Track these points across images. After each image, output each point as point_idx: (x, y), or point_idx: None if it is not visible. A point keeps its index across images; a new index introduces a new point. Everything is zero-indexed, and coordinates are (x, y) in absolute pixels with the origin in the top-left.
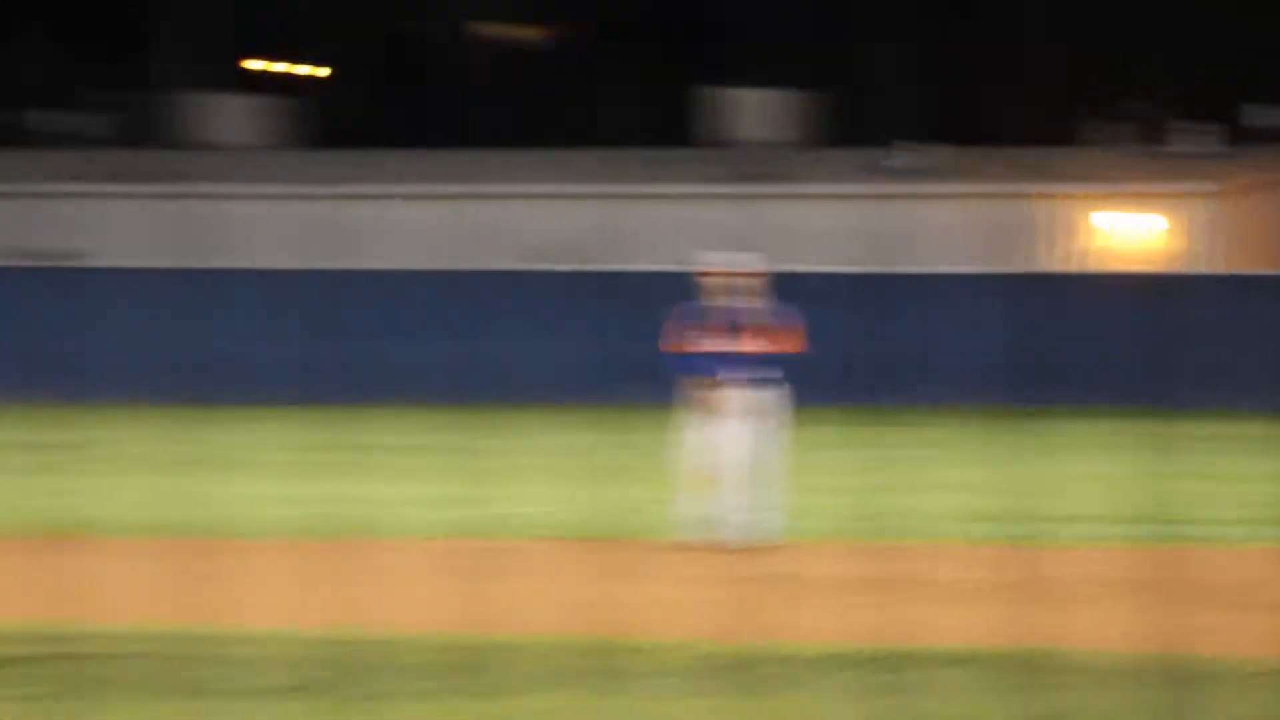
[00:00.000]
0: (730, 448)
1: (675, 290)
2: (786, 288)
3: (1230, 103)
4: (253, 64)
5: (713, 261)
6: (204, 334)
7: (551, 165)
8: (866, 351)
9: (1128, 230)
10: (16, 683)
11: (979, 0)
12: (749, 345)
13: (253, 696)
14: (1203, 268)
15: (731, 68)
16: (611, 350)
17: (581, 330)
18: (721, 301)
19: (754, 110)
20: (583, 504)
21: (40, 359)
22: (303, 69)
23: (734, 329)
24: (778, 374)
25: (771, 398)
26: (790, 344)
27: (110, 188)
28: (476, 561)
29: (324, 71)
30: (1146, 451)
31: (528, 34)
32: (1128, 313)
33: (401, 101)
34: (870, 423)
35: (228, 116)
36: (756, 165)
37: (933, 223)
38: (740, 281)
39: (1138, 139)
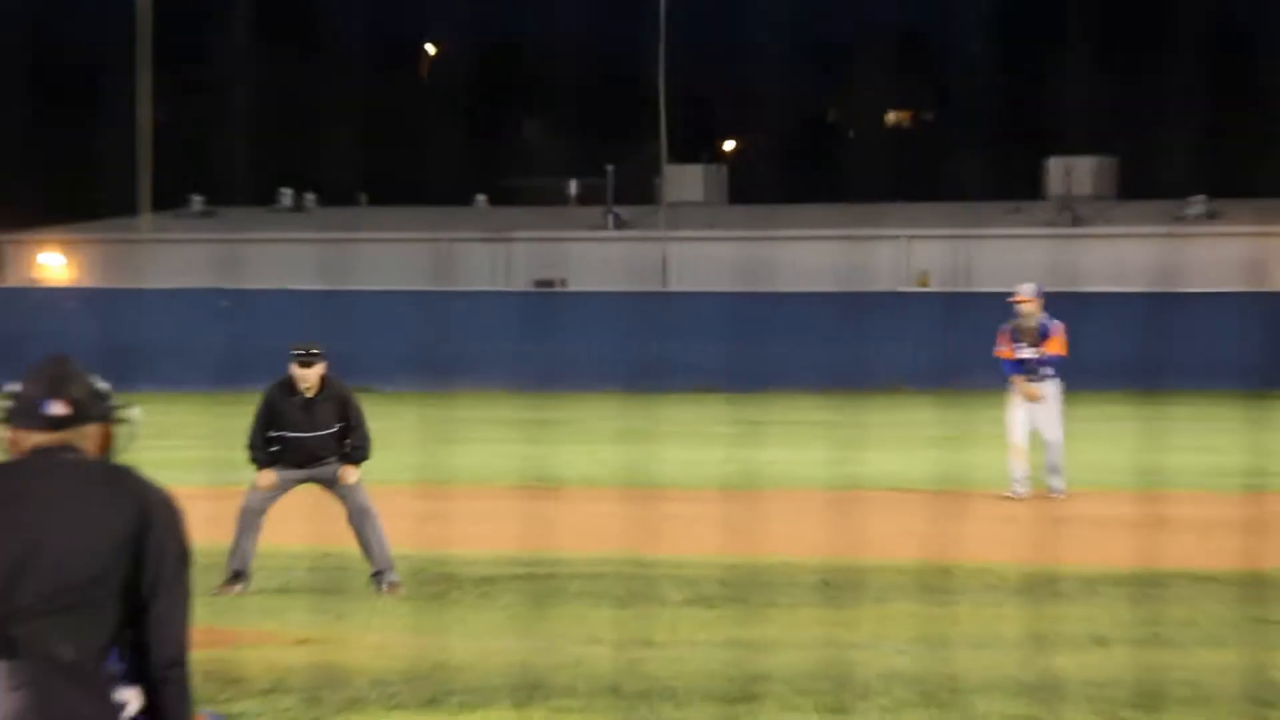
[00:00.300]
0: (1032, 424)
1: (1010, 309)
2: (1093, 305)
3: None
4: (696, 139)
5: (1018, 290)
6: (654, 340)
7: (923, 214)
8: (1153, 350)
9: None
10: (497, 595)
11: (1245, 87)
12: (1037, 350)
13: (674, 605)
14: None
15: (1058, 139)
16: (960, 350)
17: (939, 335)
18: (1021, 319)
19: (1075, 172)
20: (929, 464)
21: (520, 364)
22: (731, 144)
23: (1028, 338)
24: (1052, 370)
25: (1052, 386)
26: (1058, 348)
27: (579, 232)
28: (847, 506)
29: (732, 145)
30: None
31: (907, 116)
32: None
33: (807, 167)
34: (1150, 403)
35: (679, 178)
36: (1077, 214)
37: (1206, 256)
38: (1029, 305)
39: None
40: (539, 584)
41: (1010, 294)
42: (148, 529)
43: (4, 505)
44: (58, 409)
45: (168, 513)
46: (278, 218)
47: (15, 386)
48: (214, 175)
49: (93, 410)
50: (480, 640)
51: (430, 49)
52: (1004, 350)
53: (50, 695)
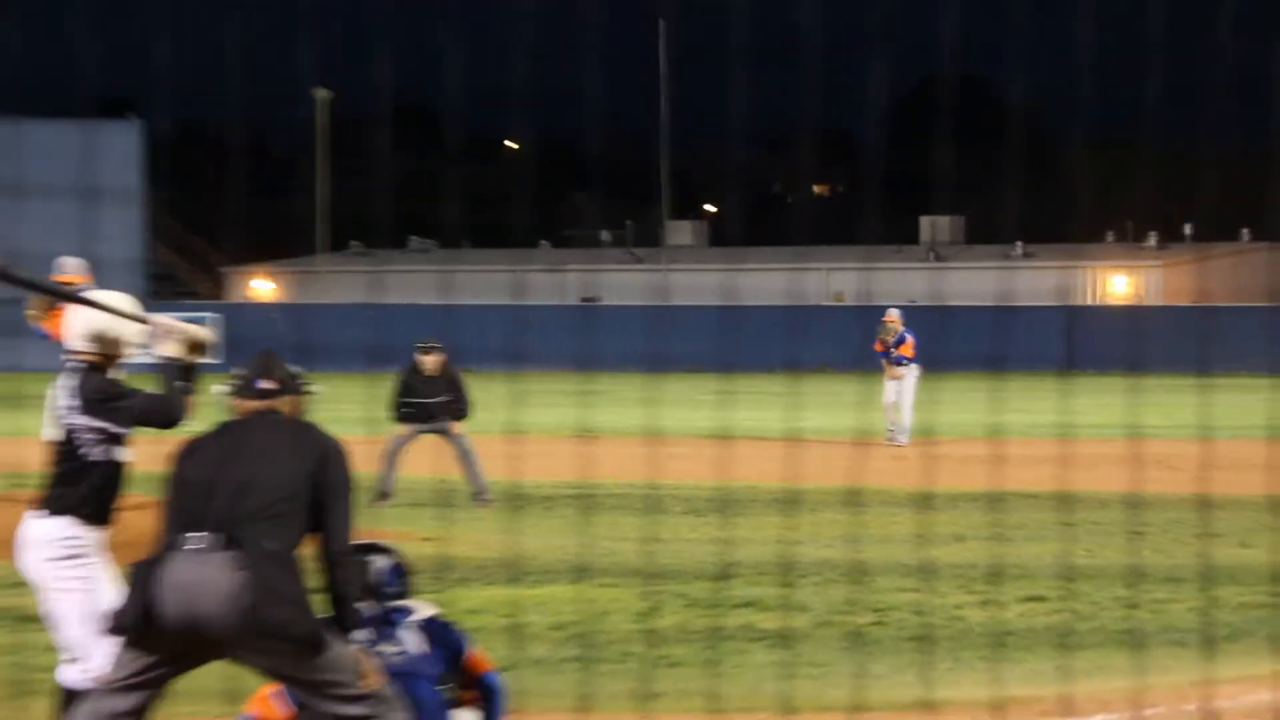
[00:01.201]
0: (895, 395)
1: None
2: (953, 315)
3: (1172, 222)
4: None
5: (888, 311)
6: (661, 338)
7: (838, 253)
8: (994, 345)
9: (1123, 285)
10: (557, 508)
11: (1050, 168)
12: (898, 351)
13: (675, 515)
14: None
15: (927, 204)
16: (864, 345)
17: (851, 334)
18: (888, 328)
19: (938, 226)
20: (846, 420)
21: (571, 354)
22: (710, 206)
23: (892, 342)
24: (909, 361)
25: (909, 371)
26: (908, 351)
27: (611, 265)
28: (791, 449)
29: (712, 207)
30: (1127, 394)
31: (827, 188)
32: (1121, 325)
33: (760, 221)
34: (992, 381)
35: (675, 230)
36: (940, 254)
37: (1030, 282)
38: (893, 323)
39: (1125, 239)
40: (585, 501)
41: (885, 311)
42: (325, 464)
43: (231, 448)
44: (267, 384)
45: (338, 453)
46: (409, 256)
47: (238, 370)
48: (367, 228)
49: (290, 386)
50: (546, 539)
51: (511, 144)
52: (878, 346)
53: (262, 573)
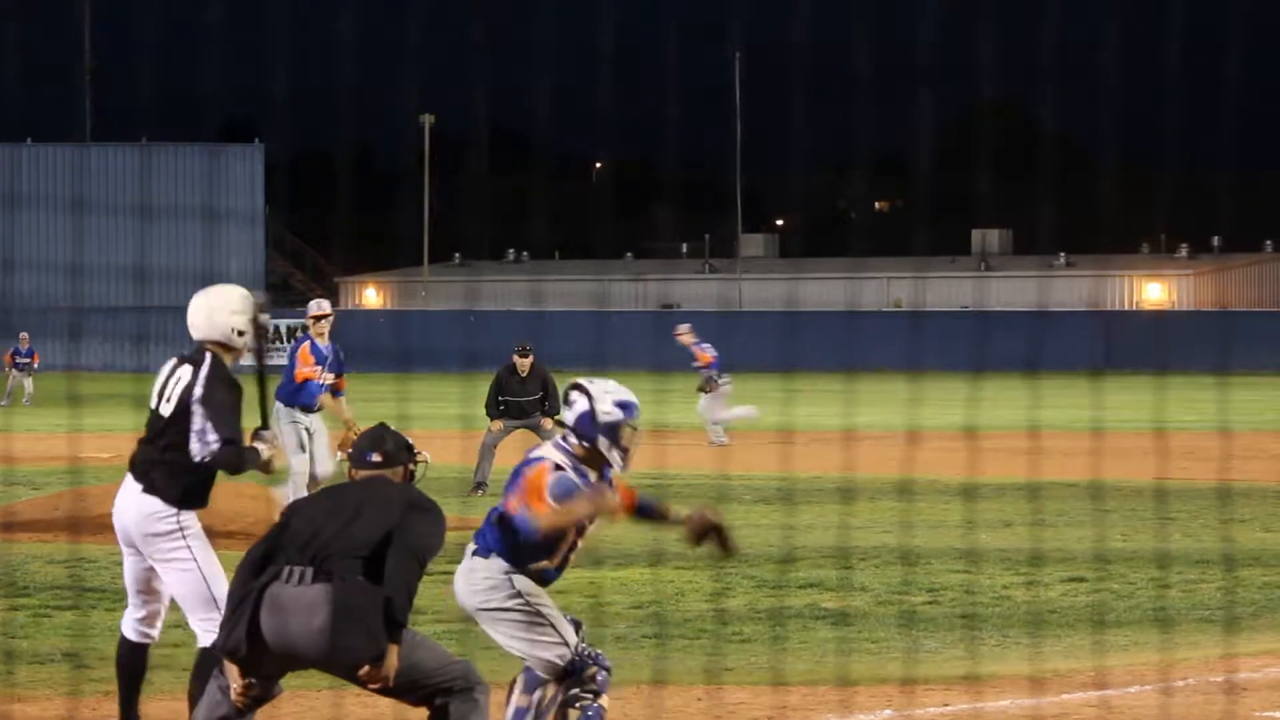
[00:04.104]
0: (707, 403)
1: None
2: (997, 319)
3: (1203, 234)
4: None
5: (678, 327)
6: (732, 340)
7: (896, 264)
8: (1034, 347)
9: (1157, 292)
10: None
11: (1087, 188)
12: (698, 363)
13: (745, 502)
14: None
15: (977, 218)
16: (920, 347)
17: (907, 337)
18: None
19: (988, 238)
20: (899, 416)
21: (650, 356)
22: (780, 220)
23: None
24: (710, 369)
25: (710, 376)
26: (707, 358)
27: (687, 275)
28: (850, 443)
29: (781, 221)
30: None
31: (887, 204)
32: (1153, 329)
33: (826, 235)
34: (1033, 380)
35: (747, 242)
36: (989, 264)
37: (1068, 291)
38: (682, 337)
39: (1158, 250)
40: (660, 490)
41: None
42: (407, 512)
43: (338, 503)
44: (375, 458)
45: (424, 509)
46: (504, 267)
47: (354, 442)
48: (466, 241)
49: (397, 458)
50: (627, 526)
51: (597, 164)
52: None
53: (346, 605)
